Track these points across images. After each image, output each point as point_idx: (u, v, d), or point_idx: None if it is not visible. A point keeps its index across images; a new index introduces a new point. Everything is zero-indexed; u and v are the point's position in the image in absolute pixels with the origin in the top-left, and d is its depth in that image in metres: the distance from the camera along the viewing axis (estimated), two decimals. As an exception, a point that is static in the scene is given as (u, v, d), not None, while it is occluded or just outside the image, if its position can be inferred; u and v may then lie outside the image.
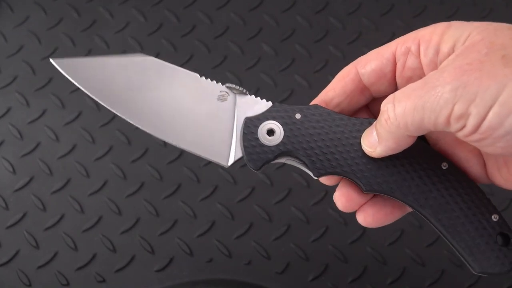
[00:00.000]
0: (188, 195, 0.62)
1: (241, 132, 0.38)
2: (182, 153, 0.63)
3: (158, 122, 0.39)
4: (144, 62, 0.40)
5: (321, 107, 0.38)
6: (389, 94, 0.39)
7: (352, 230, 0.60)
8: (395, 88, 0.39)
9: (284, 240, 0.60)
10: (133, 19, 0.69)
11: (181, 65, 0.66)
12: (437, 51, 0.35)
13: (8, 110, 0.66)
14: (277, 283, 0.59)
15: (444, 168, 0.37)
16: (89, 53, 0.68)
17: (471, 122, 0.31)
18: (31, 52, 0.68)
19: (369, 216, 0.40)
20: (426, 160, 0.37)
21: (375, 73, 0.38)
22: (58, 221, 0.61)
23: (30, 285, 0.59)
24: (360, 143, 0.37)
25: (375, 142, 0.36)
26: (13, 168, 0.64)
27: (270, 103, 0.39)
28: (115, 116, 0.65)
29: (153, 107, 0.39)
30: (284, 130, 0.38)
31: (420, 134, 0.34)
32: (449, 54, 0.34)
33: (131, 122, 0.39)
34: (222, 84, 0.39)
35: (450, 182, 0.37)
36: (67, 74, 0.39)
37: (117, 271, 0.60)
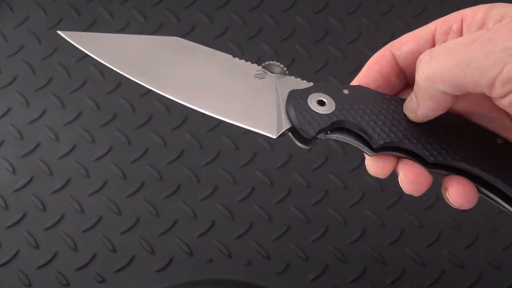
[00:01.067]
0: (188, 195, 0.62)
1: (287, 103, 0.36)
2: (182, 153, 0.63)
3: (196, 96, 0.37)
4: (177, 42, 0.40)
5: (365, 87, 0.37)
6: None
7: (352, 230, 0.60)
8: None
9: (284, 240, 0.60)
10: (133, 19, 0.69)
11: (181, 65, 0.67)
12: (481, 26, 0.33)
13: (8, 110, 0.66)
14: (277, 283, 0.59)
15: (499, 142, 0.35)
16: (89, 53, 0.68)
17: None
18: (31, 52, 0.68)
19: (458, 193, 0.36)
20: (480, 132, 0.36)
21: (412, 55, 0.36)
22: (58, 221, 0.61)
23: (30, 285, 0.59)
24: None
25: (415, 105, 0.34)
26: (13, 168, 0.64)
27: (311, 83, 0.37)
28: (115, 116, 0.66)
29: (190, 82, 0.37)
30: (335, 102, 0.36)
31: (456, 93, 0.32)
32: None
33: (167, 95, 0.37)
34: (259, 65, 0.38)
35: (508, 156, 0.35)
36: (88, 51, 0.38)
37: (117, 271, 0.60)
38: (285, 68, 0.37)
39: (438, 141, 0.35)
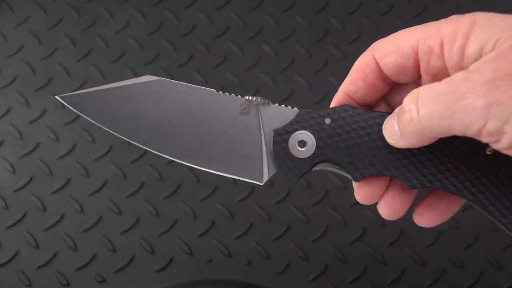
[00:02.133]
0: (188, 195, 0.62)
1: (270, 147, 0.37)
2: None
3: (182, 150, 0.37)
4: (154, 84, 0.38)
5: (349, 107, 0.36)
6: (413, 82, 0.37)
7: (352, 230, 0.60)
8: (419, 78, 0.37)
9: (284, 240, 0.60)
10: (133, 19, 0.69)
11: (181, 66, 0.67)
12: (462, 55, 0.33)
13: (8, 110, 0.66)
14: (277, 283, 0.59)
15: (489, 153, 0.35)
16: (89, 53, 0.68)
17: (506, 140, 0.30)
18: (31, 52, 0.68)
19: (425, 217, 0.39)
20: (466, 144, 0.35)
21: (395, 67, 0.37)
22: (58, 221, 0.61)
23: (30, 285, 0.59)
24: None
25: (398, 136, 0.34)
26: (13, 168, 0.64)
27: (296, 110, 0.37)
28: (115, 116, 0.66)
29: (175, 134, 0.37)
30: (315, 140, 0.36)
31: (442, 136, 0.33)
32: (476, 59, 0.32)
33: (156, 153, 0.37)
34: (242, 97, 0.38)
35: (498, 167, 0.35)
36: (78, 111, 0.37)
37: (117, 271, 0.60)
38: (266, 101, 0.37)
39: (419, 167, 0.36)
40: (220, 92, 0.38)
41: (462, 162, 0.35)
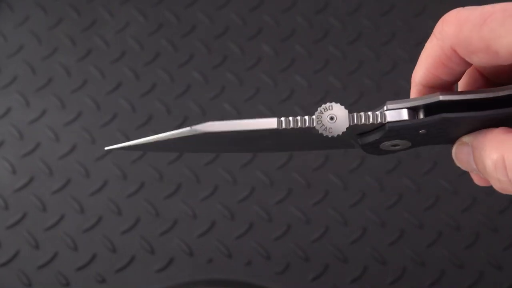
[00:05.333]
0: (188, 195, 0.62)
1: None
2: (182, 153, 0.63)
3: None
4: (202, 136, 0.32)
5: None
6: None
7: (352, 230, 0.60)
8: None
9: (284, 240, 0.60)
10: (133, 19, 0.69)
11: (181, 65, 0.67)
12: None
13: (8, 110, 0.66)
14: (277, 283, 0.59)
15: None
16: (89, 53, 0.68)
17: None
18: (31, 52, 0.68)
19: None
20: None
21: (494, 69, 0.30)
22: (58, 221, 0.61)
23: (30, 285, 0.59)
24: None
25: (471, 166, 0.29)
26: (13, 168, 0.64)
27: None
28: (115, 116, 0.66)
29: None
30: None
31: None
32: None
33: None
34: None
35: None
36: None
37: (117, 271, 0.60)
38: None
39: None
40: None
41: None
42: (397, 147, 0.32)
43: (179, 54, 0.67)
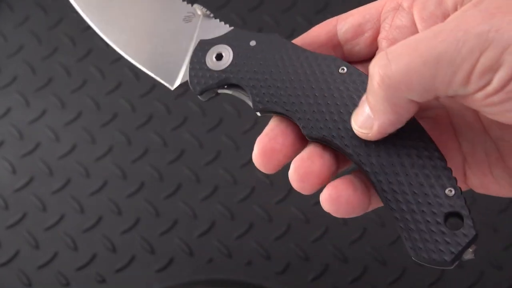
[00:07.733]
0: (188, 195, 0.62)
1: (191, 55, 0.36)
2: (182, 153, 0.63)
3: (119, 34, 0.38)
4: None
5: (282, 38, 0.35)
6: (361, 58, 0.34)
7: (352, 230, 0.60)
8: (371, 53, 0.34)
9: (284, 240, 0.60)
10: (133, 19, 0.69)
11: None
12: (439, 2, 0.30)
13: (8, 110, 0.66)
14: (277, 283, 0.59)
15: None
16: (89, 53, 0.68)
17: (500, 75, 0.25)
18: (31, 52, 0.68)
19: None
20: None
21: (353, 29, 0.34)
22: (58, 221, 0.62)
23: (30, 285, 0.59)
24: (320, 81, 0.33)
25: (369, 118, 0.29)
26: (13, 168, 0.64)
27: (231, 28, 0.36)
28: (115, 116, 0.66)
29: (119, 19, 0.38)
30: (233, 56, 0.35)
31: (422, 100, 0.27)
32: (456, 5, 0.29)
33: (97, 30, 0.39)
34: (192, 5, 0.37)
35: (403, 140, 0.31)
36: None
37: (117, 271, 0.60)
38: (211, 14, 0.37)
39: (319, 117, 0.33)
40: None
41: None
42: (218, 62, 0.35)
43: (179, 54, 0.67)
